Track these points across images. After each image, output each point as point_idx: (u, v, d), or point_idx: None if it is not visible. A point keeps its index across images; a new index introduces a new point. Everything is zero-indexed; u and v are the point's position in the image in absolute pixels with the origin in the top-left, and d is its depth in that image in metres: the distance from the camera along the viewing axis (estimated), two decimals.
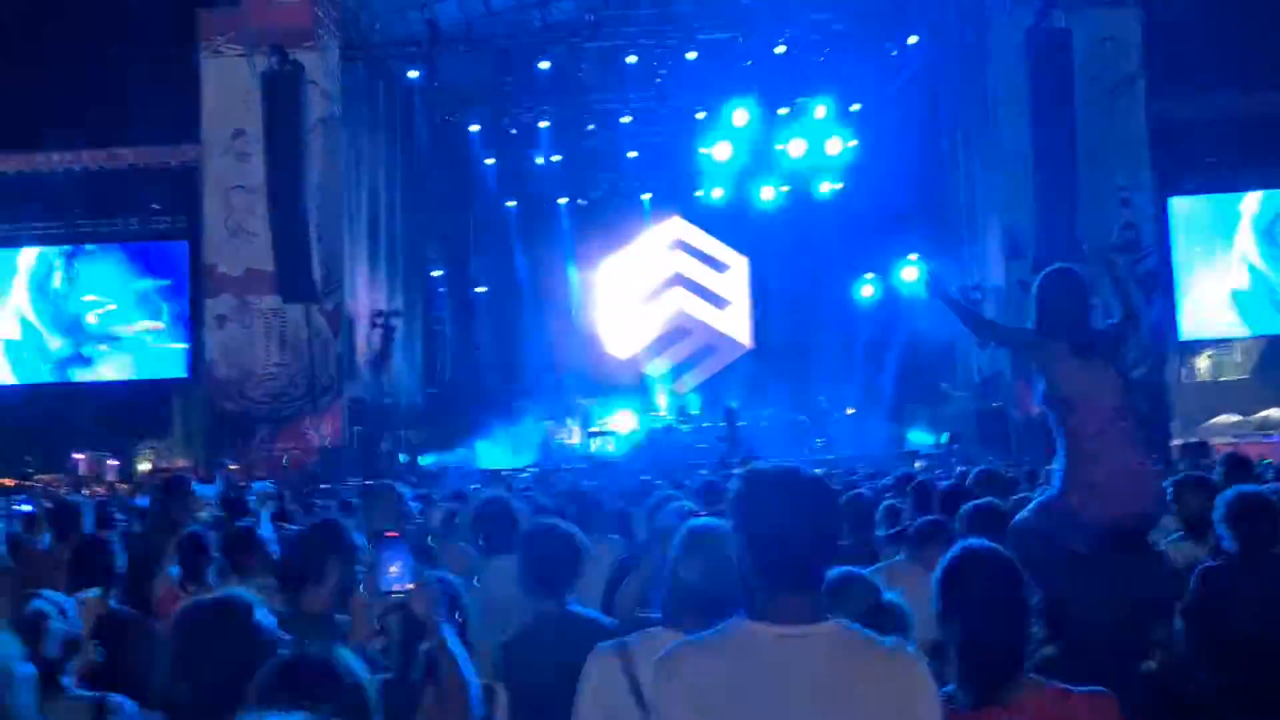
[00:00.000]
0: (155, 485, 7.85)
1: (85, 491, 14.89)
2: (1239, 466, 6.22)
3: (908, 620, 2.53)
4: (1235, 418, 20.92)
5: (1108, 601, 3.46)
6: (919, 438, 20.22)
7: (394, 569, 2.48)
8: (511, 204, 23.88)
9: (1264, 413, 21.15)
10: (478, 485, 11.61)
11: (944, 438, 19.02)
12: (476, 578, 4.17)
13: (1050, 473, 5.92)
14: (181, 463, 20.36)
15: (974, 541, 2.35)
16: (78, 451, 20.77)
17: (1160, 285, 17.97)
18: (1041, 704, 2.22)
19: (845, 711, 1.93)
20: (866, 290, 24.34)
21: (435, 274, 23.12)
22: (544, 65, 18.91)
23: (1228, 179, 20.97)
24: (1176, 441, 15.50)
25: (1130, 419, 4.08)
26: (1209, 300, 21.06)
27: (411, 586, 2.48)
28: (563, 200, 24.09)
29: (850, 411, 21.94)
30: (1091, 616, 2.39)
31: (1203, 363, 24.11)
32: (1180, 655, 3.41)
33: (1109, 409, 4.04)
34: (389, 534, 2.57)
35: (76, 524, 5.15)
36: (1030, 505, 4.23)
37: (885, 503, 6.05)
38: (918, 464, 13.91)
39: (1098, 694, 2.28)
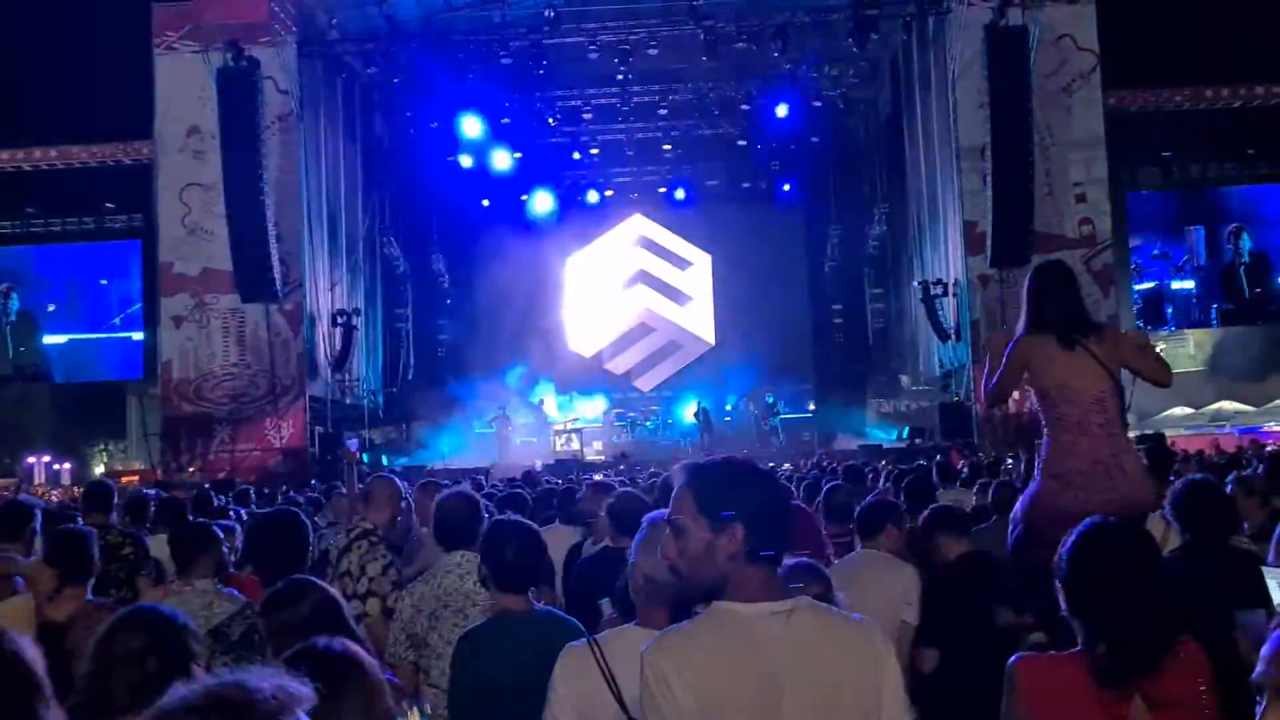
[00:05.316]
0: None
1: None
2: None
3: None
4: (1188, 410, 21.25)
5: None
6: (882, 433, 20.39)
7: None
8: (472, 201, 23.75)
9: (1215, 405, 21.51)
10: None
11: (905, 433, 19.18)
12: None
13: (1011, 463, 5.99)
14: (138, 465, 20.09)
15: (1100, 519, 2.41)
16: (30, 454, 20.43)
17: (1116, 278, 18.21)
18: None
19: (833, 678, 2.04)
20: (828, 286, 24.54)
21: (397, 272, 22.95)
22: (505, 61, 18.82)
23: (1182, 174, 21.32)
24: (1133, 434, 15.75)
25: (1112, 410, 4.11)
26: (1154, 293, 21.48)
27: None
28: (524, 197, 24.00)
29: (812, 408, 22.07)
30: None
31: None
32: None
33: (1090, 399, 4.08)
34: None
35: (25, 525, 4.98)
36: (1021, 496, 4.32)
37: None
38: (882, 463, 13.98)
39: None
